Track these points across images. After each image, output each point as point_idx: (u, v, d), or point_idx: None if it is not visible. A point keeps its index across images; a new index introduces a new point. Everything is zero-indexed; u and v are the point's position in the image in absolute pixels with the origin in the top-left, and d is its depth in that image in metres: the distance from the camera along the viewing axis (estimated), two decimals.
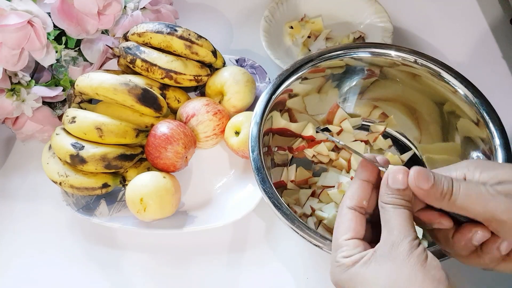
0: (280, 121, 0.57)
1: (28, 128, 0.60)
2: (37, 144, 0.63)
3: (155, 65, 0.57)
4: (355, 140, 0.60)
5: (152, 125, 0.57)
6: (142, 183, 0.52)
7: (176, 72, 0.57)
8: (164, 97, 0.59)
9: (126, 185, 0.56)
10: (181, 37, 0.57)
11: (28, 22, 0.52)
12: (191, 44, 0.58)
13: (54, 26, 0.56)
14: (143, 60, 0.57)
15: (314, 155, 0.59)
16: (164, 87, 0.60)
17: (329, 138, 0.43)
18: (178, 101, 0.60)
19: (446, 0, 0.78)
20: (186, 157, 0.56)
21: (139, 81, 0.58)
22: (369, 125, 0.62)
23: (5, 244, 0.57)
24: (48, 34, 0.57)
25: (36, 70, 0.62)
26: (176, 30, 0.57)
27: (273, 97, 0.52)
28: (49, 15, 0.56)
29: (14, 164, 0.63)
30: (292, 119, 0.58)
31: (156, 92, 0.58)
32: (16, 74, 0.57)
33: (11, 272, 0.55)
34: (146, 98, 0.55)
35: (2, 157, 0.64)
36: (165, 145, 0.53)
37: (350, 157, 0.58)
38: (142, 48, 0.58)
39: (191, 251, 0.55)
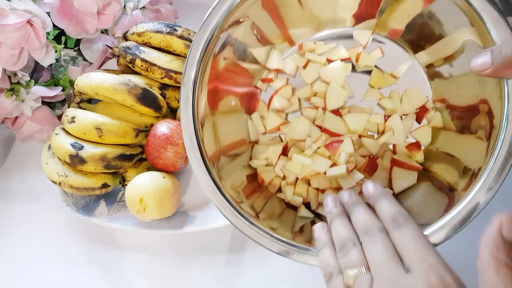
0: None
1: (28, 128, 0.60)
2: (37, 144, 0.63)
3: (155, 64, 0.57)
4: (332, 62, 0.47)
5: (152, 125, 0.57)
6: (141, 183, 0.52)
7: (176, 72, 0.57)
8: (164, 97, 0.59)
9: (126, 185, 0.56)
10: (181, 37, 0.57)
11: (28, 21, 0.52)
12: (191, 43, 0.58)
13: (54, 25, 0.56)
14: (143, 60, 0.57)
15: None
16: (164, 87, 0.59)
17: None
18: (178, 101, 0.60)
19: None
20: (186, 157, 0.56)
21: (138, 81, 0.58)
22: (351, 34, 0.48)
23: (4, 243, 0.57)
24: (48, 33, 0.56)
25: (35, 70, 0.62)
26: (175, 30, 0.57)
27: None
28: (49, 15, 0.56)
29: (13, 164, 0.63)
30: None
31: (156, 92, 0.58)
32: (15, 74, 0.57)
33: (11, 271, 0.55)
34: (145, 98, 0.55)
35: (1, 157, 0.64)
36: (165, 145, 0.53)
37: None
38: (141, 48, 0.58)
39: (191, 251, 0.55)
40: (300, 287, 0.52)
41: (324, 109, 0.48)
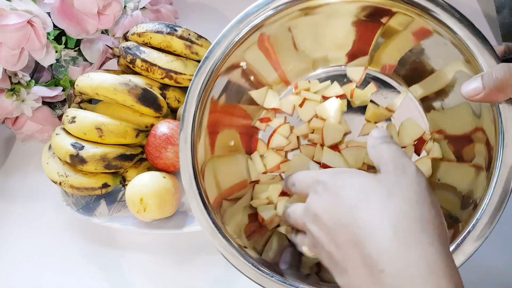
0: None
1: (28, 128, 0.60)
2: (37, 144, 0.63)
3: (155, 65, 0.57)
4: (327, 98, 0.48)
5: (152, 125, 0.57)
6: (142, 183, 0.52)
7: (176, 72, 0.57)
8: (164, 97, 0.59)
9: (126, 185, 0.56)
10: (181, 37, 0.57)
11: (28, 22, 0.52)
12: (191, 44, 0.58)
13: (54, 26, 0.56)
14: (143, 60, 0.57)
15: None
16: (164, 87, 0.59)
17: None
18: (178, 101, 0.60)
19: None
20: None
21: (139, 81, 0.58)
22: (344, 71, 0.49)
23: (4, 244, 0.57)
24: (48, 34, 0.56)
25: (36, 70, 0.62)
26: (176, 30, 0.57)
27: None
28: (49, 15, 0.56)
29: (14, 164, 0.63)
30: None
31: (156, 92, 0.58)
32: (16, 74, 0.57)
33: (11, 271, 0.55)
34: (146, 98, 0.55)
35: (2, 157, 0.64)
36: (165, 145, 0.53)
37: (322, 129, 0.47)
38: (142, 48, 0.58)
39: (191, 251, 0.55)
40: None
41: (322, 145, 0.47)
